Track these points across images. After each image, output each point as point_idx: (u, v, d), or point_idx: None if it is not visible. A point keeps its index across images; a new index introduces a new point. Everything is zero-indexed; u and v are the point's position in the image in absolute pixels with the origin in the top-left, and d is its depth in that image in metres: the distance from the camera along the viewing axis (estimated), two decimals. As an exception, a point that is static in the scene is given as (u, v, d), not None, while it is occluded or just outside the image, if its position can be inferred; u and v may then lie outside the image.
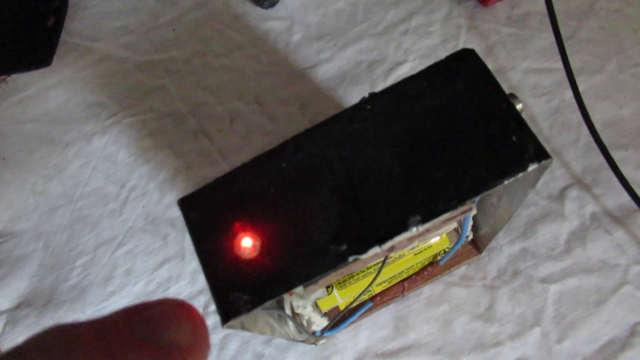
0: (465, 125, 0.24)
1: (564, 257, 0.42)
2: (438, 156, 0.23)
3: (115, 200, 0.51)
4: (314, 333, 0.39)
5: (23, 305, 0.48)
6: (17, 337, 0.47)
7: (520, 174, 0.22)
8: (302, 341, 0.40)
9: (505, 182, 0.22)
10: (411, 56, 0.52)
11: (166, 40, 0.57)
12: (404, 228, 0.23)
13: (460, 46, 0.51)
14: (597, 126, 0.43)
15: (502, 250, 0.43)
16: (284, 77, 0.53)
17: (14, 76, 0.58)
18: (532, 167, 0.22)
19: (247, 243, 0.23)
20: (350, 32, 0.54)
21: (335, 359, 0.42)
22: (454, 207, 0.22)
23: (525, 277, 0.42)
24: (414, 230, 0.23)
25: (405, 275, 0.40)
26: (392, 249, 0.24)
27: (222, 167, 0.50)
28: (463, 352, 0.40)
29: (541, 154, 0.23)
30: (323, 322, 0.39)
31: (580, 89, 0.43)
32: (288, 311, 0.34)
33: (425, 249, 0.37)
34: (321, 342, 0.41)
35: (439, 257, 0.40)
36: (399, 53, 0.52)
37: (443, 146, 0.24)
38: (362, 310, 0.41)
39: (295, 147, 0.25)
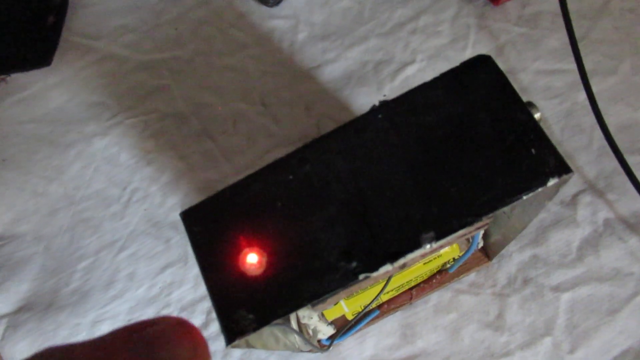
0: (481, 137, 0.23)
1: (576, 264, 0.41)
2: (453, 169, 0.22)
3: (117, 203, 0.50)
4: (319, 342, 0.39)
5: (24, 309, 0.47)
6: (18, 341, 0.46)
7: (540, 189, 0.21)
8: (308, 351, 0.39)
9: (524, 197, 0.21)
10: (419, 56, 0.50)
11: (168, 39, 0.56)
12: (416, 245, 0.22)
13: (470, 46, 0.50)
14: (611, 129, 0.41)
15: (512, 257, 0.42)
16: (289, 77, 0.52)
17: (14, 76, 0.57)
18: (552, 182, 0.21)
19: (252, 259, 0.22)
20: (357, 31, 0.53)
21: (341, 368, 0.41)
22: (470, 224, 0.21)
23: (536, 285, 0.41)
24: (427, 247, 0.22)
25: (413, 284, 0.39)
26: (403, 265, 0.23)
27: (226, 170, 0.49)
28: (472, 362, 0.39)
29: (562, 168, 0.21)
30: (329, 331, 0.38)
31: (594, 91, 0.42)
32: (294, 322, 0.33)
33: (435, 258, 0.36)
34: (327, 350, 0.41)
35: (448, 265, 0.39)
36: (406, 53, 0.51)
37: (458, 158, 0.22)
38: (369, 318, 0.40)
39: (302, 158, 0.24)
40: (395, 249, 0.22)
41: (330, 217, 0.23)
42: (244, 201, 0.24)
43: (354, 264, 0.22)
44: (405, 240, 0.22)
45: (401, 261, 0.22)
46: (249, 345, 0.25)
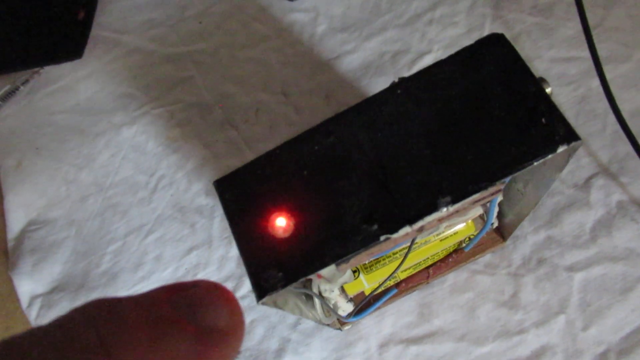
0: (494, 108, 0.24)
1: (589, 245, 0.42)
2: (468, 138, 0.24)
3: (145, 189, 0.52)
4: (339, 320, 0.40)
5: (57, 289, 0.50)
6: (52, 319, 0.48)
7: (550, 156, 0.23)
8: (328, 325, 0.41)
9: (535, 163, 0.23)
10: (435, 46, 0.52)
11: (193, 32, 0.58)
12: (434, 208, 0.23)
13: (485, 36, 0.51)
14: (625, 115, 0.42)
15: (527, 238, 0.43)
16: (309, 68, 0.54)
17: (47, 68, 0.59)
18: (561, 149, 0.23)
19: (281, 222, 0.24)
20: (375, 22, 0.54)
21: (360, 345, 0.42)
22: (484, 188, 0.23)
23: (550, 265, 0.42)
24: (444, 211, 0.23)
25: (430, 262, 0.41)
26: (422, 229, 0.24)
27: (248, 157, 0.51)
28: (487, 339, 0.41)
29: (571, 136, 0.23)
30: (349, 307, 0.40)
31: (607, 77, 0.43)
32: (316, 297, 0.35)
33: (451, 236, 0.37)
34: (346, 327, 0.42)
35: (463, 244, 0.40)
36: (423, 43, 0.52)
37: (473, 129, 0.24)
38: (387, 297, 0.41)
39: (326, 130, 0.26)
40: (414, 212, 0.23)
41: (353, 184, 0.24)
42: (272, 170, 0.25)
43: (375, 227, 0.24)
44: (423, 204, 0.23)
45: (419, 224, 0.23)
46: (276, 305, 0.27)
